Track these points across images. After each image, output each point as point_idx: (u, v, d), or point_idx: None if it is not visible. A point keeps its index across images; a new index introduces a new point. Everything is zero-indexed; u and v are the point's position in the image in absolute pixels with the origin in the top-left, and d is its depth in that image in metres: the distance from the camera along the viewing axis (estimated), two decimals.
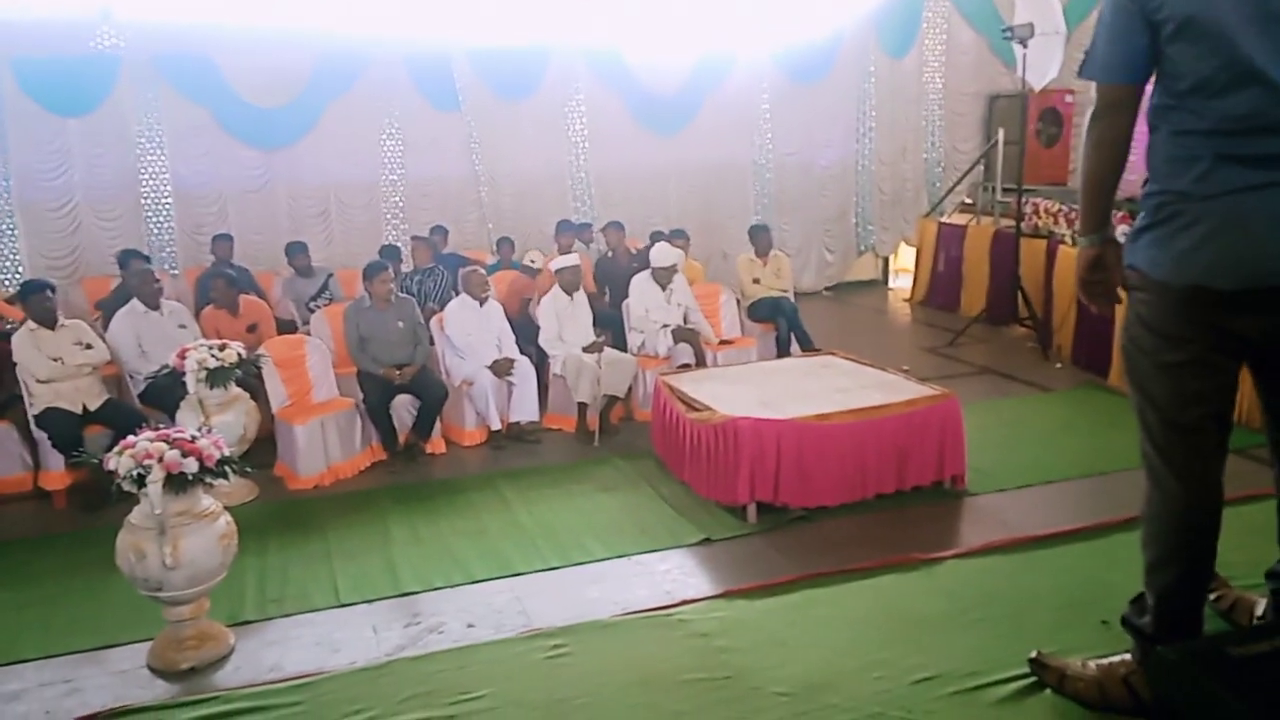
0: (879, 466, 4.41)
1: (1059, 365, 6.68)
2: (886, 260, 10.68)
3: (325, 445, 5.04)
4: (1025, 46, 6.96)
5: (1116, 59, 1.97)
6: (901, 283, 10.20)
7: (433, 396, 5.34)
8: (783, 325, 6.63)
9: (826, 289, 10.13)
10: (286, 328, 6.33)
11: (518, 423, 5.62)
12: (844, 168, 10.17)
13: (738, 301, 6.85)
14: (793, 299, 7.00)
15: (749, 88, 9.56)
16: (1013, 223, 7.57)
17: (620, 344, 6.19)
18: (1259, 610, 2.36)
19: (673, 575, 3.73)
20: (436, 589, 3.68)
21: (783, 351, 6.55)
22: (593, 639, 2.74)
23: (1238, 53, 1.86)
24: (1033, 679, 2.29)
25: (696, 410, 4.59)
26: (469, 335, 5.67)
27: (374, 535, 4.27)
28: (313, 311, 6.32)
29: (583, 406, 5.59)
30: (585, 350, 5.68)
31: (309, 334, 5.82)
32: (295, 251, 6.95)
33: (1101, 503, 4.01)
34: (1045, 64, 7.12)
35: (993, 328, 7.84)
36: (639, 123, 9.15)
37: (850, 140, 10.13)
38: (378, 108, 8.43)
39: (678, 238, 7.09)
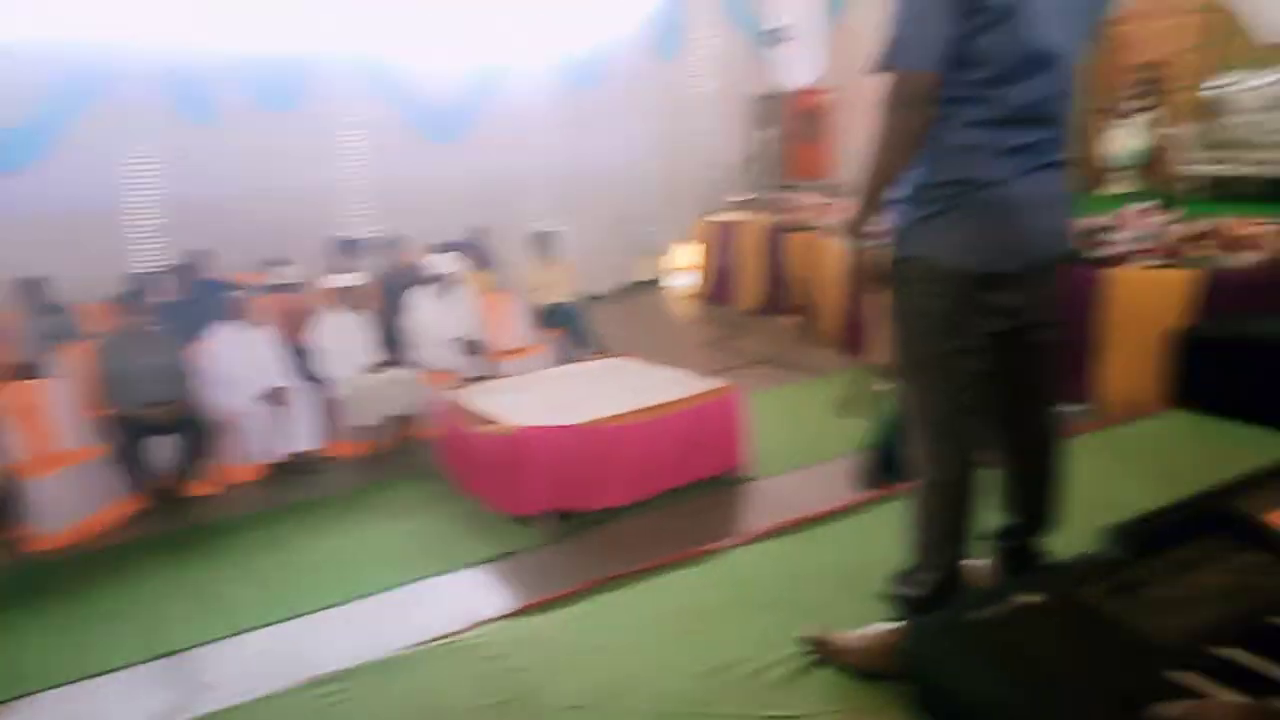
0: (668, 462, 4.48)
1: (830, 350, 7.04)
2: (666, 260, 10.92)
3: (74, 499, 4.57)
4: (782, 47, 7.30)
5: (928, 47, 1.91)
6: (682, 281, 10.47)
7: (196, 434, 4.96)
8: (571, 330, 6.64)
9: (615, 291, 10.23)
10: (24, 372, 5.69)
11: (297, 453, 5.31)
12: (625, 170, 10.32)
13: (527, 309, 6.79)
14: (579, 303, 7.02)
15: (528, 93, 9.49)
16: (780, 218, 7.93)
17: (405, 361, 5.99)
18: (974, 573, 2.42)
19: (464, 597, 3.63)
20: (207, 644, 3.40)
21: (572, 357, 6.55)
22: (374, 678, 2.60)
23: (1039, 43, 1.95)
24: (812, 656, 2.36)
25: (485, 423, 4.50)
26: (236, 365, 5.31)
27: (134, 592, 3.90)
28: (51, 351, 5.72)
29: (366, 430, 5.36)
30: (367, 371, 5.45)
31: (50, 376, 5.25)
32: (29, 286, 6.28)
33: None
34: (802, 64, 7.50)
35: (769, 318, 8.17)
36: (418, 132, 8.89)
37: (630, 143, 10.29)
38: (127, 123, 7.74)
39: (462, 247, 6.95)
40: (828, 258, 7.23)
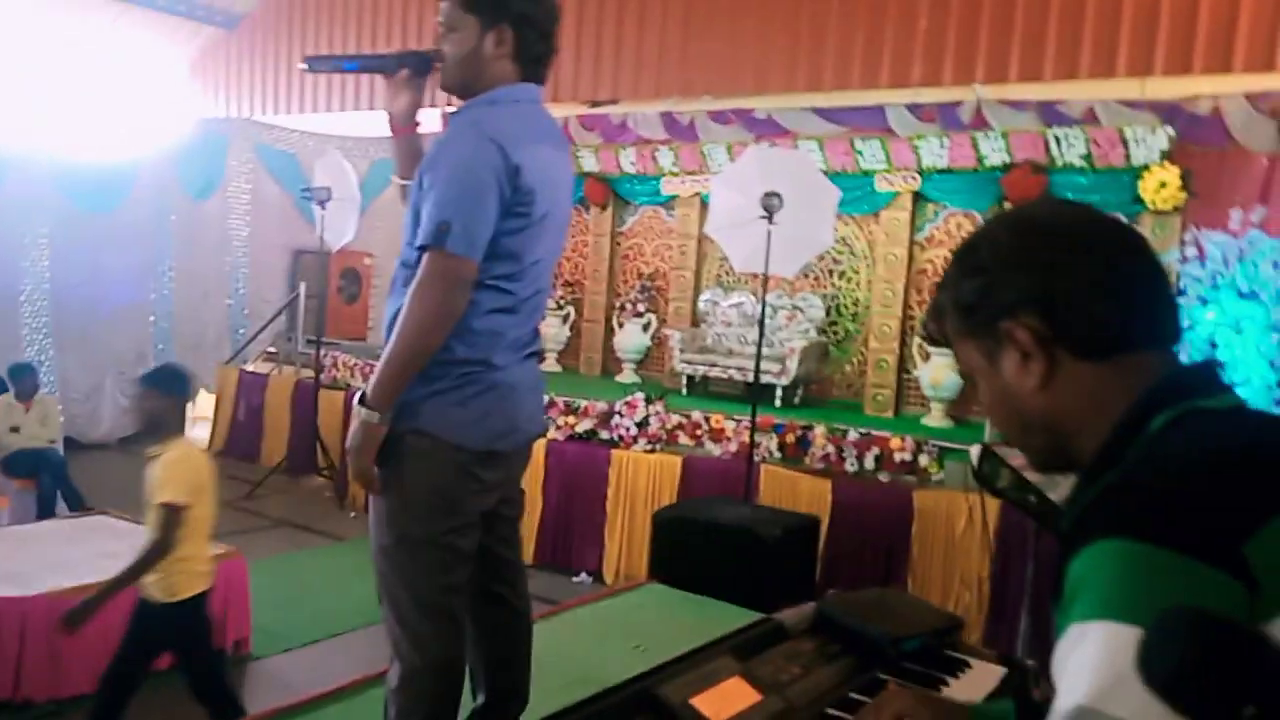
0: None
1: (353, 514, 6.88)
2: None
3: None
4: (324, 208, 7.34)
5: (480, 238, 1.99)
6: (199, 431, 9.66)
7: None
8: (46, 481, 5.76)
9: (122, 439, 9.08)
10: None
11: None
12: (141, 307, 9.41)
13: None
14: (61, 450, 6.14)
15: (21, 205, 8.35)
16: (313, 373, 7.75)
17: None
18: None
19: None
20: None
21: (45, 513, 5.66)
22: None
23: (548, 246, 2.16)
24: None
25: None
26: None
27: None
28: None
29: None
30: None
31: None
32: None
33: (380, 649, 4.14)
34: (342, 226, 7.58)
35: (293, 478, 7.80)
36: None
37: (146, 278, 9.45)
38: None
39: None
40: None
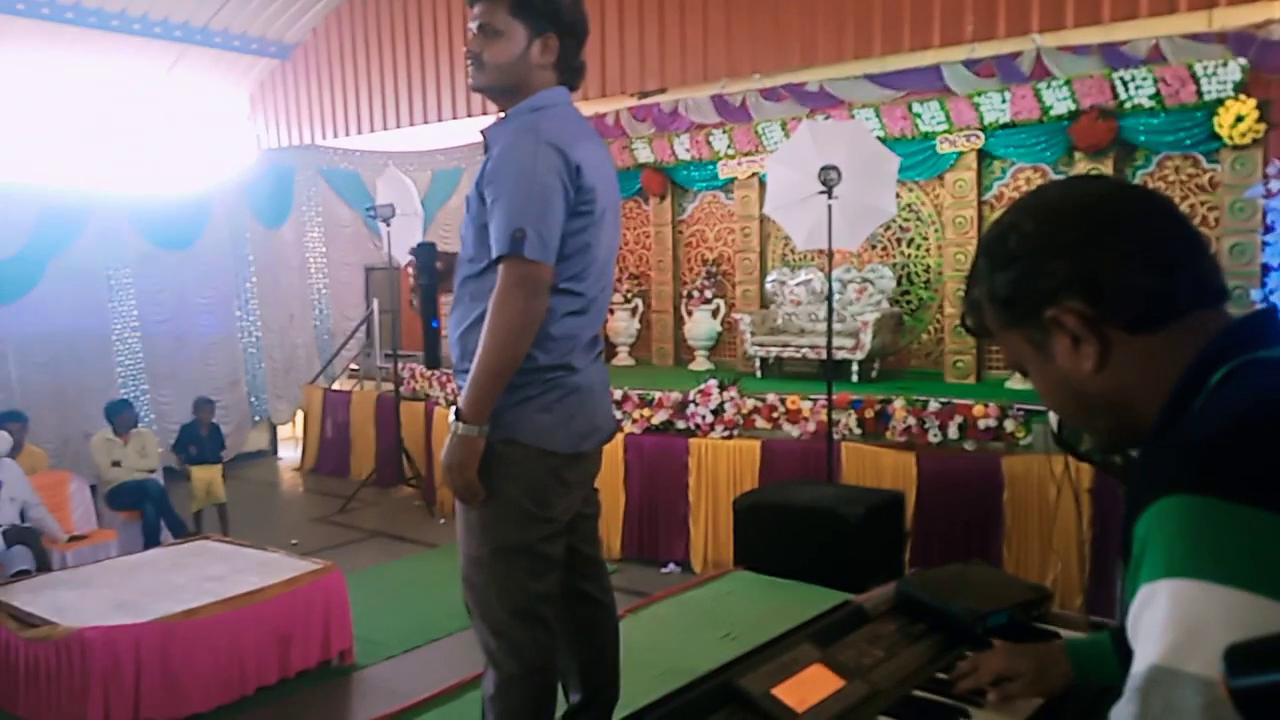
0: (259, 656, 4.13)
1: (442, 521, 7.02)
2: (274, 430, 10.36)
3: None
4: (388, 225, 7.49)
5: (553, 241, 1.99)
6: (292, 452, 9.97)
7: None
8: (150, 511, 6.00)
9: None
10: None
11: None
12: (228, 335, 9.76)
13: (93, 489, 6.05)
14: (160, 480, 6.40)
15: (103, 251, 8.72)
16: (393, 387, 7.92)
17: None
18: None
19: None
20: None
21: (151, 541, 5.90)
22: None
23: (608, 244, 2.16)
24: None
25: (32, 627, 3.88)
26: None
27: None
28: None
29: None
30: None
31: None
32: None
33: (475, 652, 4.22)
34: (408, 240, 7.71)
35: (382, 490, 8.00)
36: None
37: (231, 307, 9.78)
38: None
39: (11, 420, 6.08)
40: (442, 429, 7.31)
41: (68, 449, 8.05)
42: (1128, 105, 6.45)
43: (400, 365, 7.91)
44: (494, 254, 2.02)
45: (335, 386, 9.57)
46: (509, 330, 1.99)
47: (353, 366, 10.13)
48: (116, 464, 6.27)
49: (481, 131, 2.20)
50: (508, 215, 1.99)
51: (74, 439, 8.18)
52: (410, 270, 2.32)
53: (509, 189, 2.01)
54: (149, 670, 3.77)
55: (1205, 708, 0.73)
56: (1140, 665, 0.78)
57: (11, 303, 8.02)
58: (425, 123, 8.43)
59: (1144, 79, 6.32)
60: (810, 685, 1.48)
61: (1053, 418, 3.12)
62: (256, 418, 10.08)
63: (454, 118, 8.22)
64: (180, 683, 3.84)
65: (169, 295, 9.18)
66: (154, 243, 8.98)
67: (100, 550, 5.53)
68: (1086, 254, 0.96)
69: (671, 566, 5.80)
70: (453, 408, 2.09)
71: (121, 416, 6.42)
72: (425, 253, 2.30)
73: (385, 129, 8.83)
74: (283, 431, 10.42)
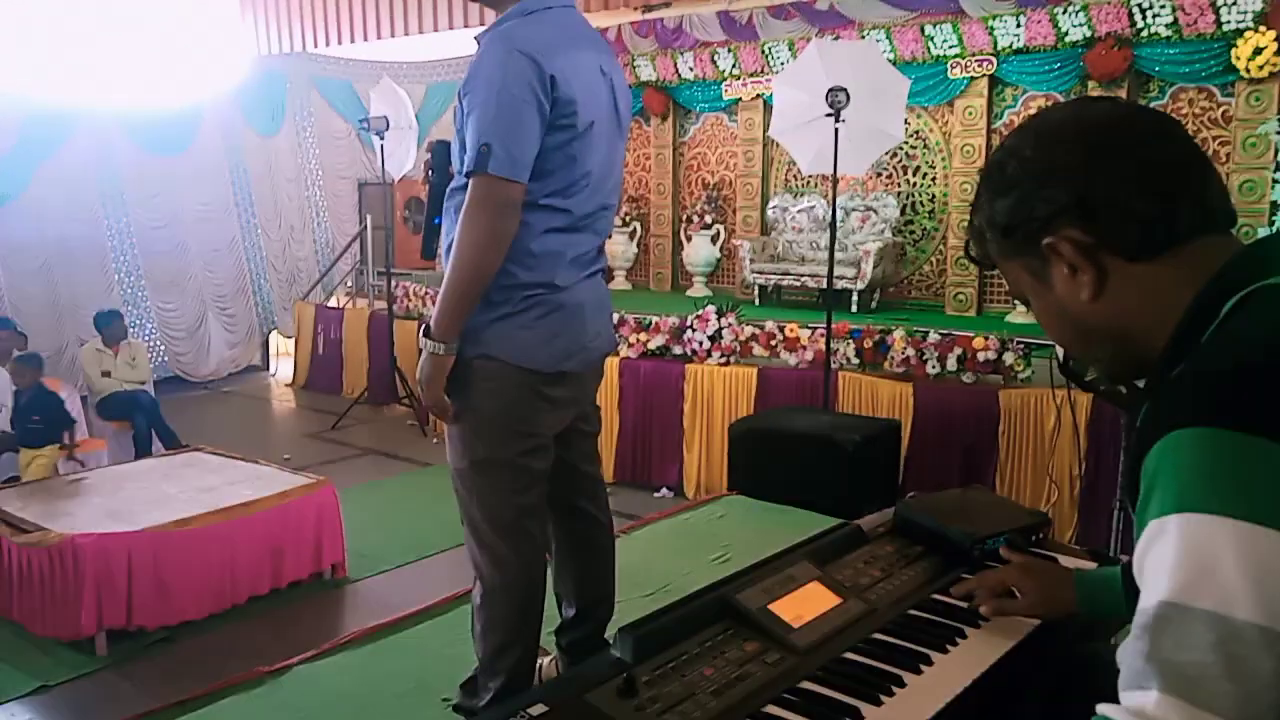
0: (251, 567, 4.14)
1: (435, 440, 7.01)
2: (266, 346, 10.30)
3: None
4: (382, 138, 7.32)
5: (523, 157, 1.94)
6: (287, 368, 9.94)
7: None
8: (140, 422, 5.98)
9: (212, 378, 9.37)
10: None
11: None
12: (230, 244, 9.64)
13: (84, 399, 6.02)
14: (152, 391, 6.36)
15: (92, 156, 8.53)
16: (385, 304, 7.86)
17: None
18: (546, 669, 2.46)
19: None
20: None
21: (142, 452, 5.88)
22: None
23: (599, 158, 2.08)
24: None
25: (25, 533, 3.88)
26: None
27: None
28: None
29: None
30: None
31: None
32: None
33: (461, 571, 4.25)
34: (402, 156, 7.56)
35: (375, 408, 7.98)
36: None
37: (230, 215, 9.64)
38: None
39: (0, 328, 6.02)
40: None
41: (64, 357, 7.99)
42: (1144, 34, 6.29)
43: (394, 283, 7.82)
44: (464, 169, 1.96)
45: (332, 303, 9.49)
46: (474, 248, 1.95)
47: (346, 282, 10.04)
48: (106, 374, 6.22)
49: (475, 38, 2.11)
50: (476, 130, 1.94)
51: (71, 346, 8.11)
52: (426, 167, 2.26)
53: (480, 101, 1.94)
54: (141, 577, 3.78)
55: (1217, 644, 0.72)
56: (1149, 601, 0.77)
57: None
58: (421, 33, 8.16)
59: (1162, 6, 6.15)
60: (807, 602, 1.47)
61: (1058, 348, 3.09)
62: (265, 329, 10.02)
63: (450, 28, 7.97)
64: (173, 590, 3.86)
65: (163, 201, 9.02)
66: (145, 148, 8.79)
67: (91, 459, 5.52)
68: (1082, 180, 0.93)
69: (664, 491, 5.81)
70: (422, 325, 2.06)
71: (110, 327, 6.35)
72: (441, 151, 2.24)
73: (380, 38, 8.55)
74: (274, 349, 10.38)
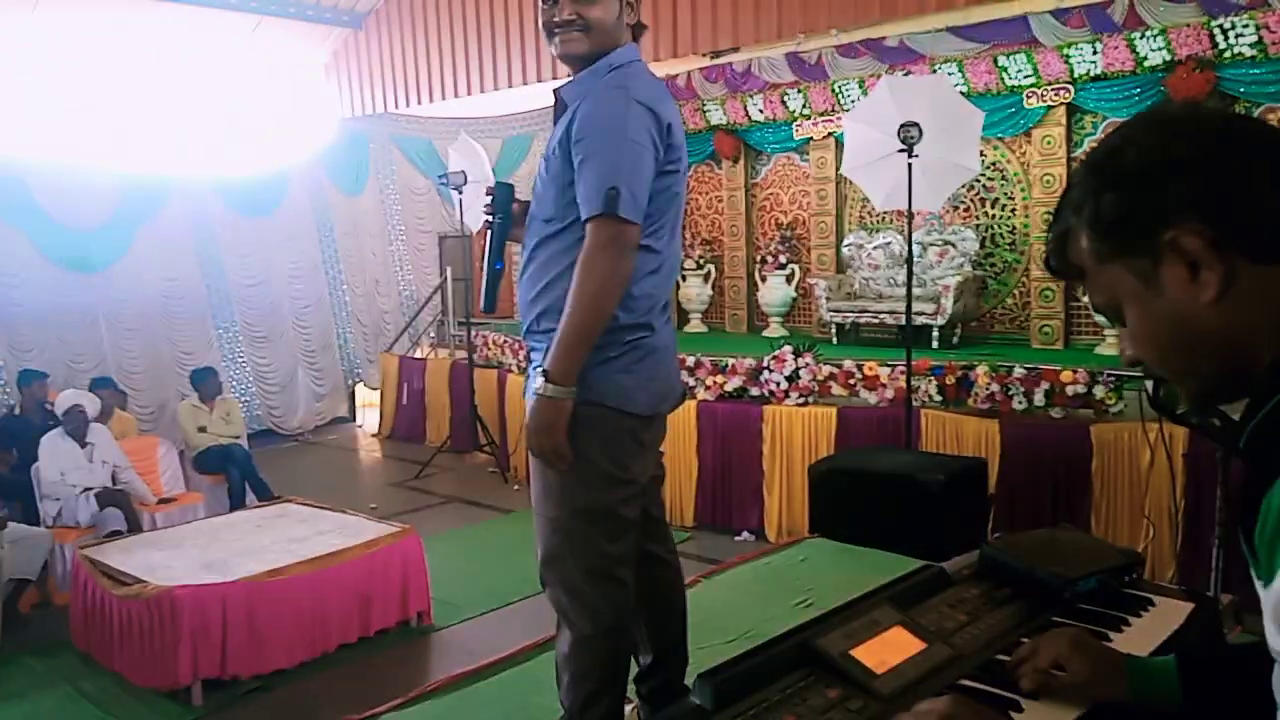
0: (341, 615, 4.22)
1: (516, 487, 7.08)
2: (354, 398, 10.57)
3: None
4: (460, 192, 7.52)
5: (643, 201, 1.98)
6: (372, 419, 10.17)
7: None
8: (234, 475, 6.18)
9: (300, 430, 9.65)
10: None
11: None
12: (319, 300, 9.98)
13: (180, 454, 6.25)
14: (245, 445, 6.58)
15: (191, 218, 8.95)
16: (466, 354, 8.01)
17: (32, 516, 5.26)
18: (628, 718, 2.38)
19: None
20: None
21: (236, 504, 6.07)
22: None
23: (679, 202, 2.13)
24: None
25: (125, 585, 4.02)
26: None
27: None
28: None
29: None
30: None
31: None
32: None
33: (541, 618, 4.25)
34: (479, 208, 7.72)
35: (457, 456, 8.11)
36: (50, 261, 8.01)
37: (318, 273, 9.99)
38: None
39: (102, 387, 6.31)
40: (513, 393, 7.36)
41: (164, 414, 8.31)
42: (1227, 55, 6.11)
43: (474, 333, 7.98)
44: (585, 213, 1.98)
45: (416, 354, 9.72)
46: (599, 290, 1.96)
47: (428, 334, 10.28)
48: (202, 429, 6.46)
49: (555, 91, 2.15)
50: (600, 174, 1.96)
51: (172, 402, 8.40)
52: (486, 211, 2.28)
53: (601, 147, 1.97)
54: (235, 627, 3.87)
55: None
56: None
57: (101, 271, 8.28)
58: (496, 89, 8.42)
59: (1245, 26, 5.97)
60: (890, 647, 1.43)
61: (1147, 383, 2.97)
62: (350, 382, 10.31)
63: (524, 83, 8.20)
64: (265, 639, 3.95)
65: (256, 260, 9.40)
66: (237, 210, 9.20)
67: (188, 512, 5.72)
68: (1213, 172, 0.86)
69: (745, 534, 5.74)
70: (539, 370, 2.03)
71: (206, 384, 6.61)
72: (504, 192, 2.27)
73: (457, 96, 8.85)
74: (359, 400, 10.64)
